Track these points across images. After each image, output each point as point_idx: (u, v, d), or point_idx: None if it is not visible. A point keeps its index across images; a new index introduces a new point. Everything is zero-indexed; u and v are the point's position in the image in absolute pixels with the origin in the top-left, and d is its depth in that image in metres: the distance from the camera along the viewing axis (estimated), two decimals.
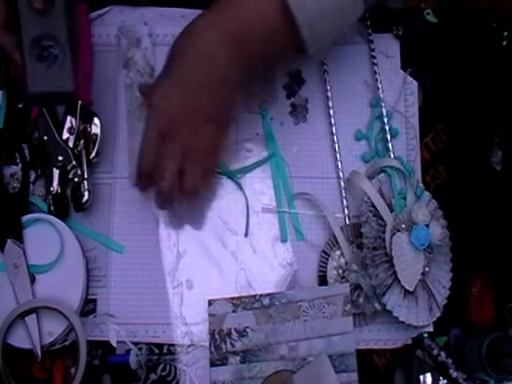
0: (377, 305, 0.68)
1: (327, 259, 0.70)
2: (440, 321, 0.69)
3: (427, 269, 0.68)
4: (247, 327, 0.67)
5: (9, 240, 0.67)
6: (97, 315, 0.69)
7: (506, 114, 0.76)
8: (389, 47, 0.77)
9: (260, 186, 0.73)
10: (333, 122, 0.74)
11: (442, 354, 0.69)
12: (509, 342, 0.66)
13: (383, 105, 0.74)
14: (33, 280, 0.67)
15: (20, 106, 0.73)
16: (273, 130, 0.74)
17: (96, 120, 0.71)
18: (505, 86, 0.77)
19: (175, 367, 0.68)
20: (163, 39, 0.76)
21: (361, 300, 0.68)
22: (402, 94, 0.76)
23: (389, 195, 0.70)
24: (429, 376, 0.67)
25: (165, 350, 0.69)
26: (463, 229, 0.72)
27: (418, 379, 0.67)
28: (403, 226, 0.69)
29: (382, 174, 0.71)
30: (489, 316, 0.71)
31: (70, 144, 0.70)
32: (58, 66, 0.63)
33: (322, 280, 0.70)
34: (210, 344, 0.67)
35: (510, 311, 0.71)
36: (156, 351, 0.68)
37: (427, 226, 0.69)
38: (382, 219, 0.69)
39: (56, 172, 0.70)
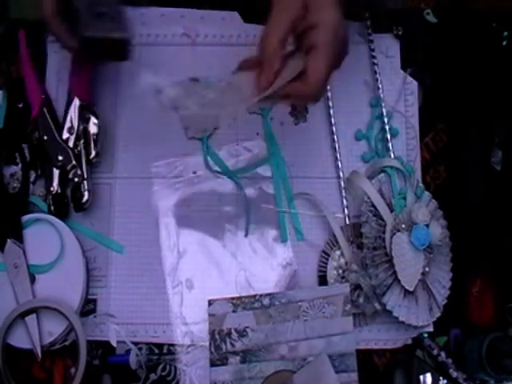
0: (377, 305, 0.68)
1: (327, 259, 0.70)
2: (440, 321, 0.69)
3: (427, 269, 0.68)
4: (247, 327, 0.67)
5: (9, 240, 0.67)
6: (97, 315, 0.69)
7: (506, 113, 0.76)
8: (389, 47, 0.77)
9: (260, 186, 0.73)
10: (333, 121, 0.74)
11: (442, 353, 0.69)
12: (509, 342, 0.66)
13: (383, 105, 0.74)
14: (33, 280, 0.67)
15: (20, 105, 0.73)
16: (273, 130, 0.74)
17: (96, 120, 0.71)
18: (505, 86, 0.77)
19: (175, 367, 0.68)
20: (163, 39, 0.76)
21: (361, 300, 0.68)
22: (402, 94, 0.76)
23: (389, 195, 0.70)
24: (429, 376, 0.67)
25: (165, 350, 0.69)
26: (463, 229, 0.72)
27: (418, 379, 0.67)
28: (403, 225, 0.69)
29: (382, 174, 0.71)
30: (489, 316, 0.71)
31: (70, 144, 0.70)
32: (112, 21, 0.63)
33: (322, 280, 0.70)
34: (210, 344, 0.67)
35: (510, 311, 0.71)
36: (156, 351, 0.68)
37: (427, 226, 0.69)
38: (382, 219, 0.69)
39: (56, 172, 0.70)
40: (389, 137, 0.73)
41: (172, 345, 0.69)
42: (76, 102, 0.71)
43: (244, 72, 0.61)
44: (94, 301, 0.69)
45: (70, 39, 0.65)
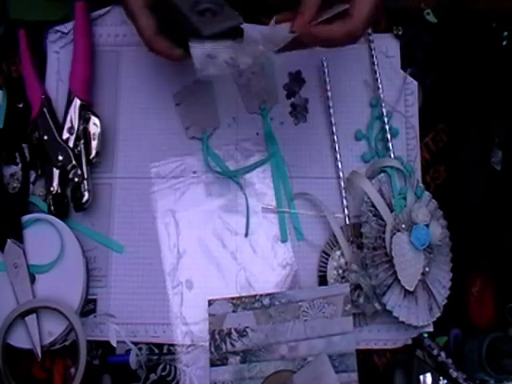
0: (377, 305, 0.68)
1: (327, 259, 0.70)
2: (440, 321, 0.69)
3: (427, 269, 0.68)
4: (247, 327, 0.67)
5: (9, 240, 0.67)
6: (97, 315, 0.69)
7: (506, 113, 0.76)
8: (389, 47, 0.77)
9: (260, 186, 0.73)
10: (333, 121, 0.74)
11: (442, 354, 0.69)
12: (509, 342, 0.66)
13: (383, 105, 0.74)
14: (33, 280, 0.67)
15: (20, 105, 0.73)
16: (273, 129, 0.74)
17: (96, 120, 0.71)
18: (505, 86, 0.77)
19: (175, 367, 0.68)
20: None
21: (361, 300, 0.68)
22: (402, 94, 0.76)
23: (389, 195, 0.70)
24: (429, 376, 0.67)
25: (165, 350, 0.69)
26: (463, 229, 0.72)
27: (418, 379, 0.67)
28: (403, 226, 0.69)
29: (382, 174, 0.71)
30: (489, 316, 0.71)
31: (70, 144, 0.70)
32: (218, 13, 0.62)
33: (322, 280, 0.70)
34: (210, 344, 0.67)
35: (510, 311, 0.71)
36: (156, 351, 0.69)
37: (427, 226, 0.69)
38: (382, 219, 0.69)
39: (56, 172, 0.70)
40: (389, 137, 0.73)
41: (172, 345, 0.69)
42: (76, 101, 0.71)
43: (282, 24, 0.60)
44: (94, 301, 0.69)
45: (176, 50, 0.63)
